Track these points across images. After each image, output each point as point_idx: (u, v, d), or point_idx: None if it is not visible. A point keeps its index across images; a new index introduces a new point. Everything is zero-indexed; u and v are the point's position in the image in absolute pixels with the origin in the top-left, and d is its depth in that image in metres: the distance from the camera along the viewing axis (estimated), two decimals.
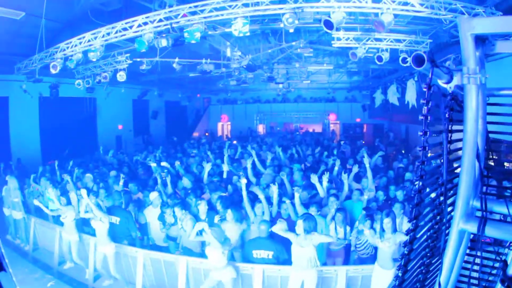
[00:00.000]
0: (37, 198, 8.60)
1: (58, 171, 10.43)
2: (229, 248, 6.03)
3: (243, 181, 7.08)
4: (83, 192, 6.98)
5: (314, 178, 7.52)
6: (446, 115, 2.05)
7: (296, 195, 6.73)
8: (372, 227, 5.92)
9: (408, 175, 8.96)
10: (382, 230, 5.74)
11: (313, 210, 6.61)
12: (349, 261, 6.99)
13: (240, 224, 6.64)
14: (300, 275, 5.75)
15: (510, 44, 2.07)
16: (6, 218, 9.52)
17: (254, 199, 7.20)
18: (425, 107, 1.97)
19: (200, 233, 6.00)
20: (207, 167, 9.13)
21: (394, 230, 5.70)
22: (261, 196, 6.89)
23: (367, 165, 8.26)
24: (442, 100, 2.06)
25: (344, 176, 7.74)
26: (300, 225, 5.62)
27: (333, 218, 6.68)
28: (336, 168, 9.23)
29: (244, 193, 6.98)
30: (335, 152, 13.09)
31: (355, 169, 8.69)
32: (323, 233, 6.56)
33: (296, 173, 8.98)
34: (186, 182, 8.71)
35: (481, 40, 2.00)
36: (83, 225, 8.34)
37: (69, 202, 7.81)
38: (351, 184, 8.39)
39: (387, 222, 5.66)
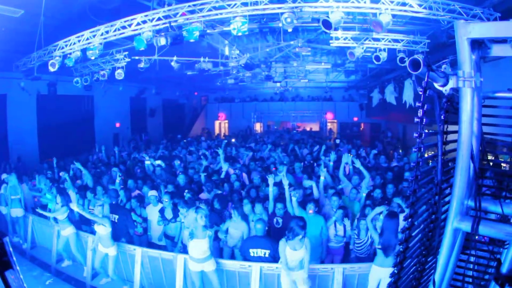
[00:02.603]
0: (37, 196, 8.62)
1: (56, 169, 10.45)
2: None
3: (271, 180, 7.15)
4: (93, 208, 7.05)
5: (308, 182, 7.60)
6: (442, 117, 2.09)
7: (293, 200, 6.77)
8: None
9: (406, 174, 9.02)
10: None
11: (310, 208, 6.67)
12: (348, 259, 7.05)
13: (245, 223, 6.73)
14: (291, 275, 5.77)
15: (506, 47, 2.10)
16: (5, 216, 9.50)
17: (254, 199, 7.29)
18: (420, 110, 2.01)
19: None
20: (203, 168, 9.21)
21: None
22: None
23: (360, 167, 8.23)
24: (437, 102, 2.11)
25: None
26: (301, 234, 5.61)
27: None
28: (331, 164, 9.37)
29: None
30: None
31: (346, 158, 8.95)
32: (323, 231, 6.69)
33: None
34: (181, 180, 8.83)
35: (477, 44, 2.04)
36: (81, 224, 8.37)
37: (63, 201, 7.81)
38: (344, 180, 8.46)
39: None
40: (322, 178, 7.84)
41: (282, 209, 6.95)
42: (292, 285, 5.80)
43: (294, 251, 5.62)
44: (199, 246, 5.95)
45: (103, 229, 6.87)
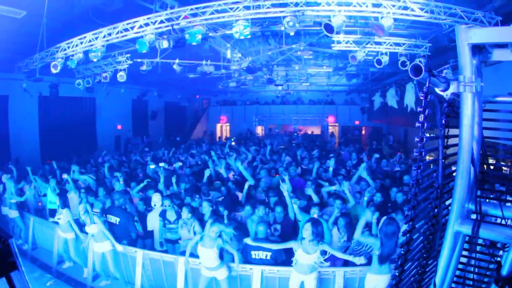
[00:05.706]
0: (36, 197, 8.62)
1: (58, 170, 10.45)
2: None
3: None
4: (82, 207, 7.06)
5: (309, 191, 7.54)
6: (443, 121, 2.11)
7: (295, 206, 6.73)
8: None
9: (406, 178, 9.00)
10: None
11: (314, 212, 6.62)
12: (348, 263, 7.02)
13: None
14: (300, 277, 5.75)
15: (507, 52, 2.12)
16: (9, 218, 9.50)
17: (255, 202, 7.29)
18: (422, 115, 2.02)
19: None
20: (207, 171, 9.16)
21: None
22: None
23: (364, 172, 8.22)
24: (438, 107, 2.12)
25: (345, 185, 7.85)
26: (307, 228, 5.46)
27: (335, 221, 6.70)
28: (330, 169, 9.36)
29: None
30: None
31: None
32: (326, 235, 6.61)
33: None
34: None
35: (478, 49, 2.06)
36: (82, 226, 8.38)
37: (65, 204, 7.82)
38: (353, 185, 8.46)
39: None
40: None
41: (282, 213, 6.92)
42: (299, 286, 5.80)
43: (306, 254, 5.51)
44: (207, 254, 5.89)
45: (95, 227, 6.89)
